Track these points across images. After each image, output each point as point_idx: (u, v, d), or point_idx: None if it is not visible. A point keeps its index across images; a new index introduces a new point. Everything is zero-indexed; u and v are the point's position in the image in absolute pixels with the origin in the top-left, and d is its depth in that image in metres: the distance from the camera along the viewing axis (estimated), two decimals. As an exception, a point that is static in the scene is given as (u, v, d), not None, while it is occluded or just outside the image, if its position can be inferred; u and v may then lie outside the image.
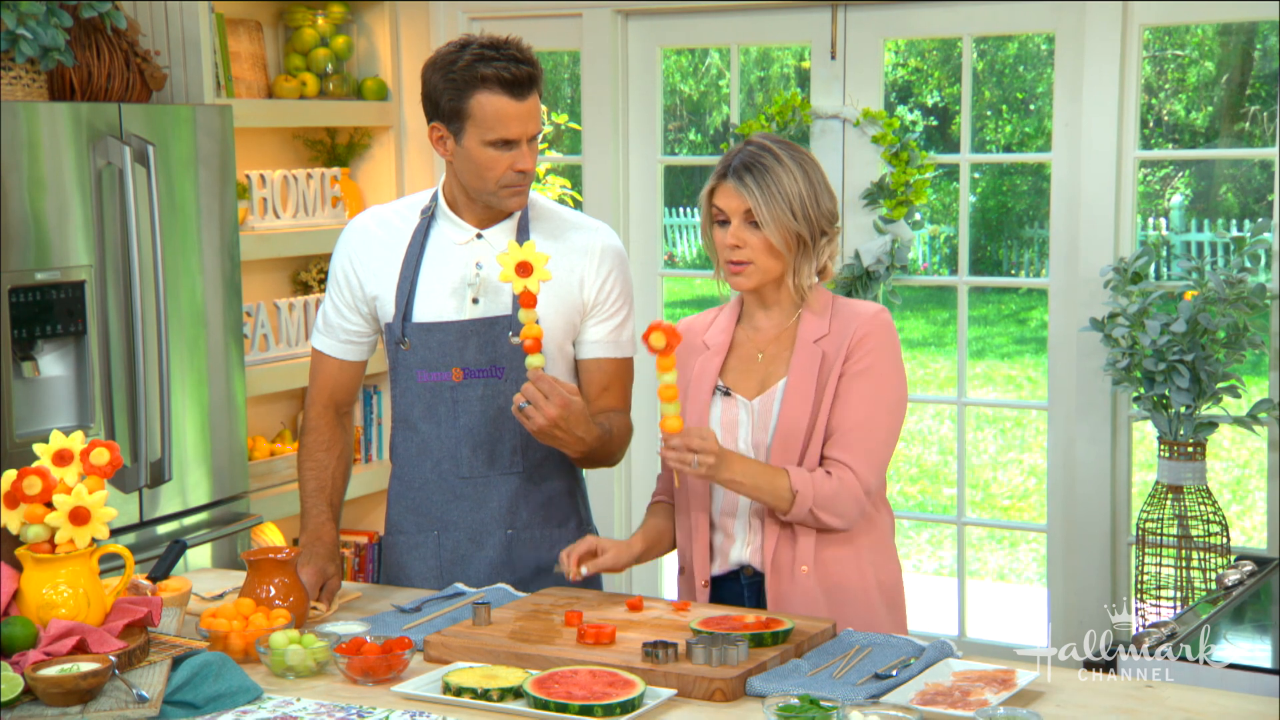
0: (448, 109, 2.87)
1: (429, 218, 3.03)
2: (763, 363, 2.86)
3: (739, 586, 2.86)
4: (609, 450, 2.98)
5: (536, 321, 2.80)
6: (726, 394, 2.85)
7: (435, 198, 3.04)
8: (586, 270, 3.00)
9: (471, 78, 2.84)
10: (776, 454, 2.78)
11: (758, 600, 2.84)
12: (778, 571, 2.81)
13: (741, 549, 2.86)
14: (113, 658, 2.35)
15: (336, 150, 5.24)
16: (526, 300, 2.78)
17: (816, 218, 2.78)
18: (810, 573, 2.80)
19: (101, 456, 2.52)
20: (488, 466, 3.01)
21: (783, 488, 2.72)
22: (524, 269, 2.78)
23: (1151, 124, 11.92)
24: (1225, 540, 4.32)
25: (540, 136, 2.96)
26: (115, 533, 3.70)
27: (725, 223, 2.80)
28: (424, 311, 2.98)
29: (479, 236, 2.99)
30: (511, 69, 2.83)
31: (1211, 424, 4.30)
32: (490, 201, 2.95)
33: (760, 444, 2.81)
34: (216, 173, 4.21)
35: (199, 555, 4.14)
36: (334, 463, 3.09)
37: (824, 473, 2.74)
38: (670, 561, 3.92)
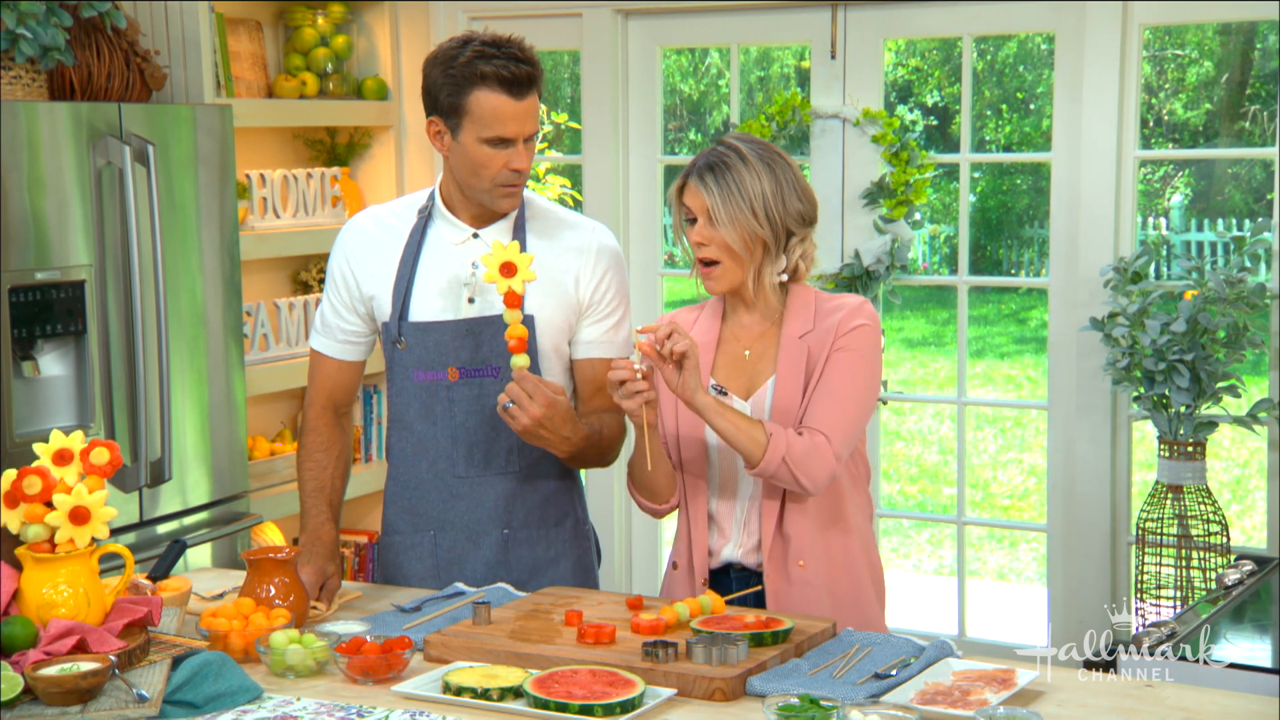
0: (446, 104, 2.87)
1: (426, 217, 3.03)
2: (750, 360, 2.87)
3: (728, 580, 2.88)
4: (600, 450, 2.98)
5: (523, 321, 2.80)
6: (722, 393, 2.85)
7: (432, 197, 3.04)
8: (582, 269, 3.00)
9: (471, 74, 2.84)
10: None
11: (742, 598, 2.85)
12: (775, 569, 2.82)
13: (733, 549, 2.87)
14: (113, 657, 2.35)
15: (336, 150, 5.24)
16: (511, 300, 2.78)
17: (782, 218, 2.79)
18: (807, 567, 2.80)
19: (101, 456, 2.52)
20: (483, 466, 3.00)
21: (758, 432, 2.72)
22: (508, 269, 2.78)
23: (1151, 123, 11.92)
24: (1225, 540, 4.32)
25: (538, 136, 2.96)
26: (115, 532, 3.70)
27: (694, 221, 2.82)
28: (420, 311, 2.98)
29: (475, 236, 2.99)
30: (512, 68, 2.83)
31: (1211, 423, 4.30)
32: (484, 200, 2.95)
33: None
34: (216, 172, 4.21)
35: (199, 555, 4.14)
36: (333, 463, 3.08)
37: (796, 432, 2.75)
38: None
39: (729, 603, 2.73)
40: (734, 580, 2.87)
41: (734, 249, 2.78)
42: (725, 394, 2.85)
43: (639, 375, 2.69)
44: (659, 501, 2.90)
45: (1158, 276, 5.14)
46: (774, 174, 2.78)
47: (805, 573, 2.81)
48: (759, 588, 2.84)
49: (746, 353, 2.88)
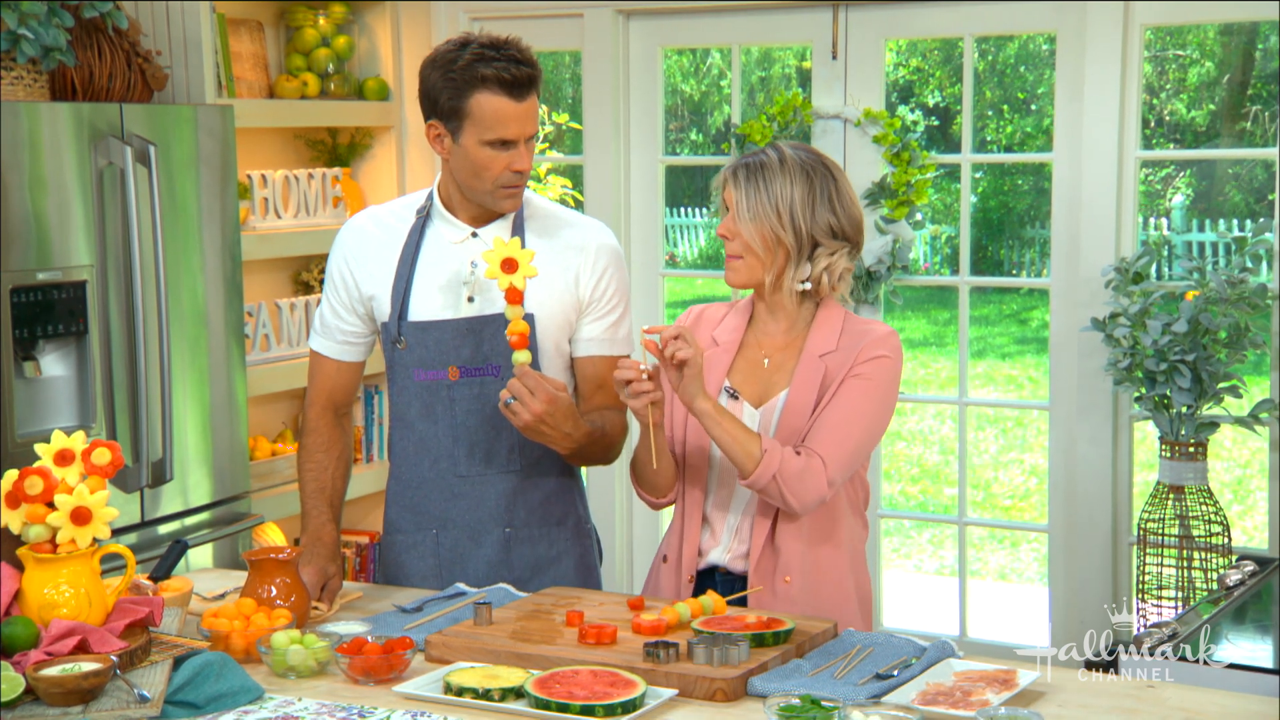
0: (446, 108, 2.88)
1: (424, 217, 3.03)
2: (768, 369, 2.87)
3: (713, 583, 2.88)
4: (602, 448, 2.98)
5: (524, 317, 2.81)
6: (734, 397, 2.85)
7: (430, 197, 3.05)
8: (582, 268, 3.00)
9: (471, 77, 2.84)
10: None
11: (745, 592, 2.85)
12: (761, 581, 2.82)
13: (722, 553, 2.87)
14: (114, 658, 2.35)
15: (338, 150, 5.24)
16: (512, 296, 2.78)
17: (809, 227, 2.79)
18: (793, 583, 2.80)
19: (103, 456, 2.52)
20: (485, 465, 3.01)
21: (754, 446, 2.71)
22: (509, 265, 2.78)
23: (1153, 124, 11.92)
24: (1226, 540, 4.32)
25: (538, 137, 2.96)
26: (116, 532, 3.70)
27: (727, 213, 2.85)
28: (419, 310, 2.98)
29: (474, 235, 3.00)
30: (512, 69, 2.83)
31: (1213, 424, 4.30)
32: (485, 202, 2.95)
33: None
34: (218, 173, 4.22)
35: (200, 555, 4.14)
36: (333, 463, 3.08)
37: (794, 451, 2.75)
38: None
39: (730, 604, 2.73)
40: (719, 584, 2.87)
41: (754, 247, 2.79)
42: (737, 397, 2.84)
43: (645, 375, 2.70)
44: (659, 495, 2.91)
45: (1159, 277, 5.14)
46: (809, 183, 2.79)
47: (790, 588, 2.81)
48: (759, 588, 2.84)
49: (766, 361, 2.88)
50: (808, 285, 2.83)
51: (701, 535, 2.89)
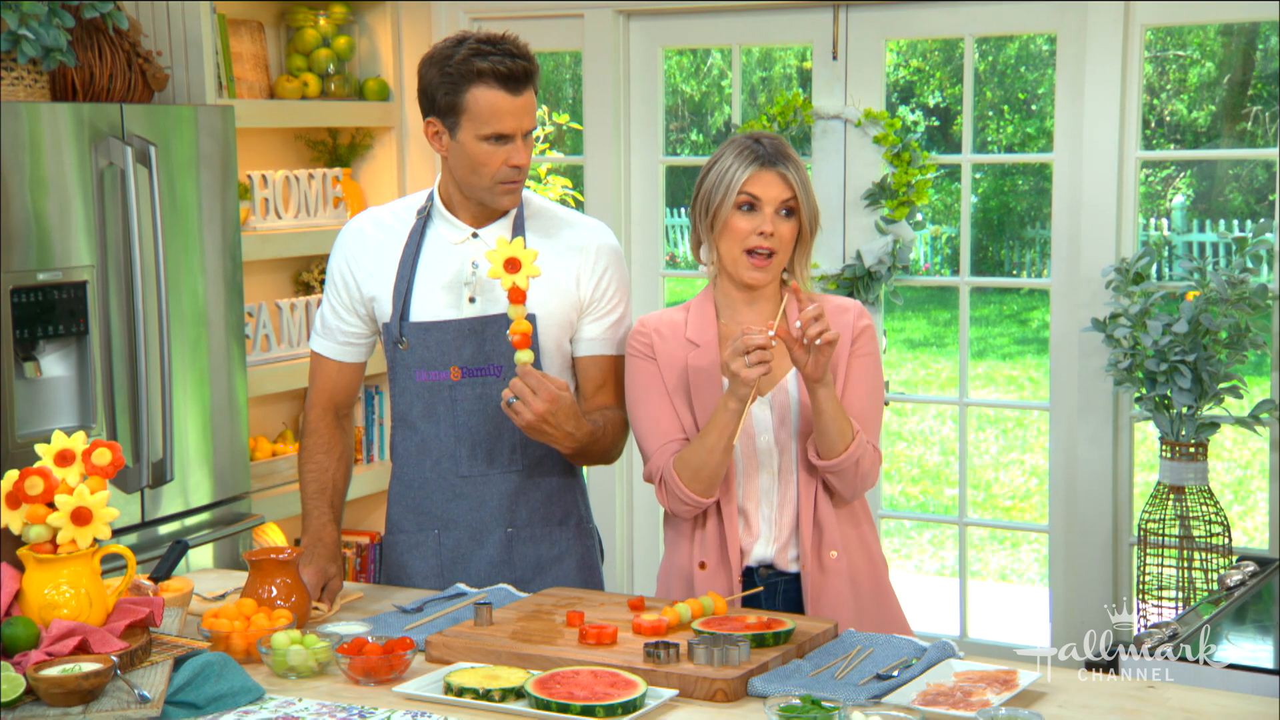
0: (443, 103, 2.88)
1: (425, 218, 3.03)
2: None
3: (752, 582, 2.88)
4: (603, 447, 2.98)
5: (525, 317, 2.81)
6: None
7: (431, 198, 3.05)
8: (582, 268, 3.00)
9: (468, 72, 2.84)
10: (801, 440, 2.83)
11: (771, 596, 2.85)
12: (811, 559, 2.84)
13: (766, 546, 2.86)
14: (114, 658, 2.35)
15: (338, 150, 5.24)
16: (515, 296, 2.79)
17: (817, 213, 2.88)
18: (838, 557, 2.83)
19: (103, 457, 2.52)
20: (487, 465, 3.01)
21: (848, 427, 2.77)
22: (512, 265, 2.78)
23: (1153, 124, 11.92)
24: (1227, 541, 4.32)
25: (535, 133, 2.95)
26: (117, 533, 3.71)
27: (749, 209, 2.80)
28: (421, 311, 2.98)
29: (475, 236, 3.00)
30: (507, 63, 2.84)
31: (1213, 424, 4.30)
32: (484, 198, 2.95)
33: (783, 438, 2.84)
34: (218, 173, 4.22)
35: (201, 555, 4.14)
36: (334, 464, 3.09)
37: (868, 442, 2.82)
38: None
39: (732, 603, 2.73)
40: (758, 583, 2.87)
41: (796, 237, 2.84)
42: None
43: (774, 342, 2.69)
44: (713, 493, 2.82)
45: (1159, 277, 5.14)
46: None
47: (837, 562, 2.85)
48: (760, 589, 2.84)
49: None
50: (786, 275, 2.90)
51: (740, 531, 2.89)
